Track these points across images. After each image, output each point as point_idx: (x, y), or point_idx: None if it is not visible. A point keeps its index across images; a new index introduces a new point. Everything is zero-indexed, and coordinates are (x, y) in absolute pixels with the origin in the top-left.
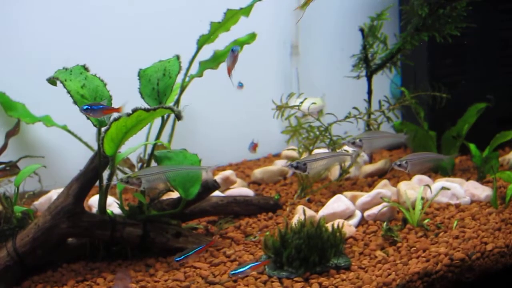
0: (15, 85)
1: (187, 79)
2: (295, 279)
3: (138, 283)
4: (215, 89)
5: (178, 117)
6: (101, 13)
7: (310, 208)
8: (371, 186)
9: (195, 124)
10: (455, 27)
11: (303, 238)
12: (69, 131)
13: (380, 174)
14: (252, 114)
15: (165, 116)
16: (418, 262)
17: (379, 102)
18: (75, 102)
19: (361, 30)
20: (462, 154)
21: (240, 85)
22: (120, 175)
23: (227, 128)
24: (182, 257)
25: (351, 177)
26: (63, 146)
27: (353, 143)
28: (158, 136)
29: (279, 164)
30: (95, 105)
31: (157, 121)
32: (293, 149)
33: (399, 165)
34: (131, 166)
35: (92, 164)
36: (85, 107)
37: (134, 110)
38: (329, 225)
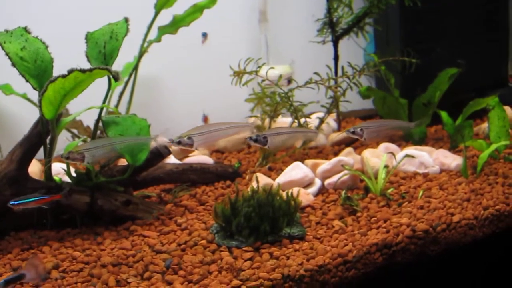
0: None
1: (145, 44)
2: (244, 248)
3: (84, 251)
4: (181, 57)
5: (115, 78)
6: None
7: (270, 176)
8: (337, 154)
9: (160, 93)
10: None
11: (252, 206)
12: (28, 99)
13: (348, 143)
14: (220, 82)
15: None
16: (377, 233)
17: (342, 68)
18: (13, 64)
19: None
20: (438, 124)
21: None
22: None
23: (194, 97)
24: None
25: (318, 145)
26: (24, 115)
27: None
28: (105, 101)
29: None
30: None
31: (119, 88)
32: (256, 117)
33: (353, 132)
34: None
35: (36, 129)
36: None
37: (70, 71)
38: (284, 194)
